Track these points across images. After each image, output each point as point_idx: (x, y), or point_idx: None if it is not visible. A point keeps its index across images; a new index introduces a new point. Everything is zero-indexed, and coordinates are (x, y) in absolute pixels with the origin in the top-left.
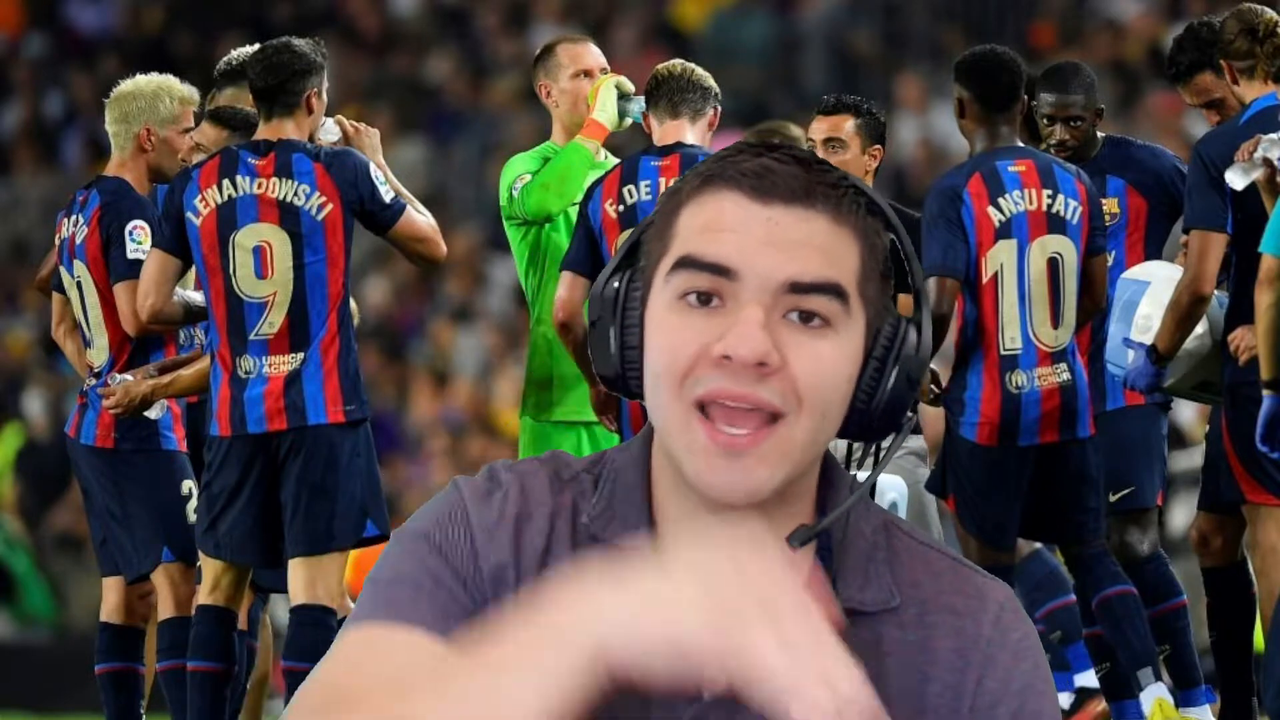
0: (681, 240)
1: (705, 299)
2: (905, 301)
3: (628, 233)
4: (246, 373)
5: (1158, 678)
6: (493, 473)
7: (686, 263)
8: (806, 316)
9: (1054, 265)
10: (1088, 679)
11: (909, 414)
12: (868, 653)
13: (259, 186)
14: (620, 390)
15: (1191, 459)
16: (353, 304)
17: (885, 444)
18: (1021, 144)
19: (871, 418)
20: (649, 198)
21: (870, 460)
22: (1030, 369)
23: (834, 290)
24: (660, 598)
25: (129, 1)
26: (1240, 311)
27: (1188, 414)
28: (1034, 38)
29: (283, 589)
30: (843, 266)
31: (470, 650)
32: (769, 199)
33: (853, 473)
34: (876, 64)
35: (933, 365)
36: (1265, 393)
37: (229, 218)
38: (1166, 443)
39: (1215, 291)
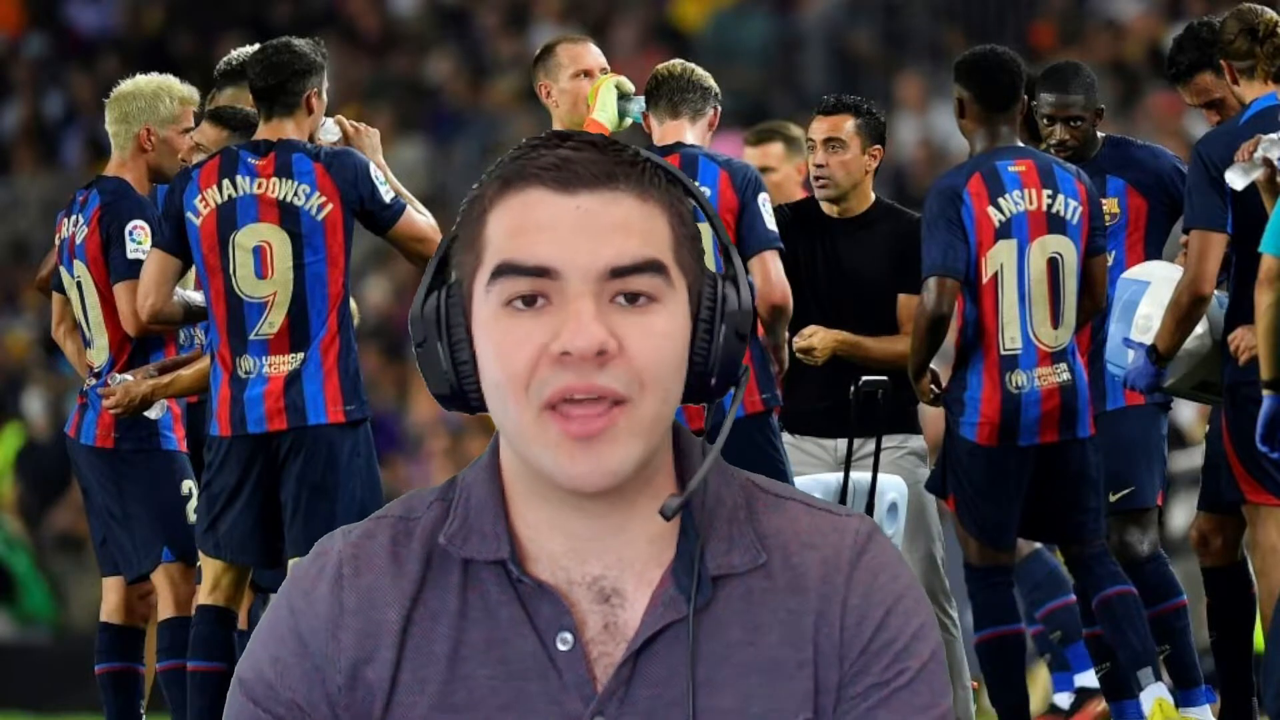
0: (494, 248)
1: (530, 300)
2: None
3: None
4: (246, 373)
5: (1158, 678)
6: (321, 551)
7: (505, 270)
8: (632, 297)
9: (1054, 265)
10: (1088, 679)
11: (744, 367)
12: (740, 608)
13: (259, 186)
14: (459, 407)
15: (1191, 459)
16: (353, 304)
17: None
18: (1021, 144)
19: (709, 377)
20: None
21: (860, 455)
22: (1030, 369)
23: (653, 266)
24: None
25: (129, 1)
26: (1240, 311)
27: (1188, 414)
28: (1034, 38)
29: None
30: (656, 241)
31: None
32: (574, 188)
33: (853, 474)
34: (876, 64)
35: (933, 365)
36: (1265, 393)
37: (229, 218)
38: (1166, 443)
39: (1215, 291)
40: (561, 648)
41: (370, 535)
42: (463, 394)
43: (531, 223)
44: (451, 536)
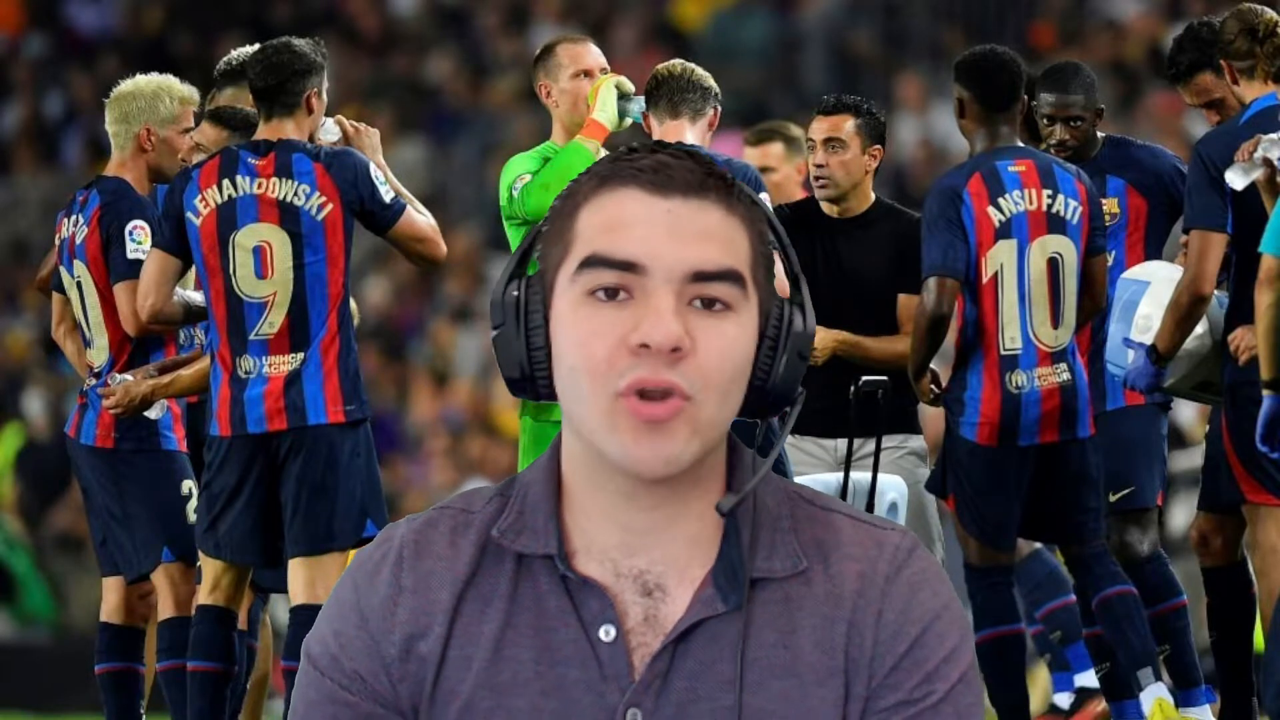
0: (585, 240)
1: (613, 293)
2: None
3: None
4: (246, 373)
5: (1158, 678)
6: (386, 537)
7: (594, 261)
8: (709, 303)
9: (1054, 265)
10: (1088, 679)
11: (800, 390)
12: (778, 611)
13: (259, 186)
14: (528, 393)
15: (1191, 459)
16: (353, 304)
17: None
18: (1021, 144)
19: (768, 394)
20: None
21: (865, 455)
22: (1030, 369)
23: (733, 276)
24: None
25: (129, 1)
26: (1240, 311)
27: (1188, 414)
28: (1034, 38)
29: (283, 589)
30: (738, 253)
31: None
32: (668, 192)
33: (853, 474)
34: (876, 64)
35: (933, 365)
36: (1265, 393)
37: (229, 218)
38: (1166, 443)
39: (1215, 291)
40: (604, 639)
41: (432, 524)
42: (533, 379)
43: (624, 219)
44: (504, 531)
